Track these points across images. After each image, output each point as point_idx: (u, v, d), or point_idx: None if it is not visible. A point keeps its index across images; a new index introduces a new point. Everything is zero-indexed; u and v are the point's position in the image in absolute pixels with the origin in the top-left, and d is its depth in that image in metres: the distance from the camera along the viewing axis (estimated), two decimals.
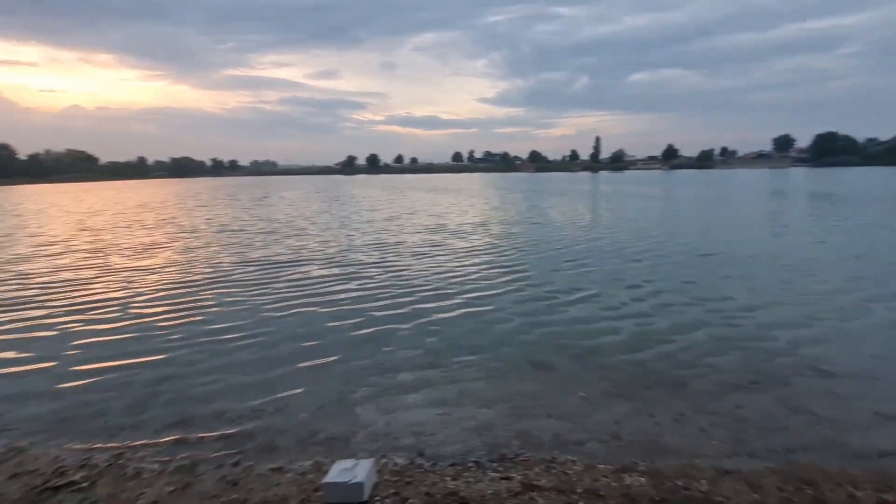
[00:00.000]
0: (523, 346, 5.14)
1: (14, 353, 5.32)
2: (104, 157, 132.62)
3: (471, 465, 3.03)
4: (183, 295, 7.51)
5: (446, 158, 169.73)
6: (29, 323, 6.37)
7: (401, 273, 8.76)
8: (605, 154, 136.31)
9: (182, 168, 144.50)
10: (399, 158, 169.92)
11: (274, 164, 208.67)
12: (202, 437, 3.49)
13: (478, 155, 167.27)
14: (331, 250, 11.36)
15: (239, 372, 4.65)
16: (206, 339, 5.60)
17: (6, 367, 4.95)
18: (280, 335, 5.62)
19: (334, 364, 4.77)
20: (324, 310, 6.57)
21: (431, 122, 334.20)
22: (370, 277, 8.44)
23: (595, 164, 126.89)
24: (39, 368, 4.87)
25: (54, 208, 29.00)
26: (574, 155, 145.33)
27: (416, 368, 4.60)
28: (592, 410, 3.76)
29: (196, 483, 2.90)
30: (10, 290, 8.19)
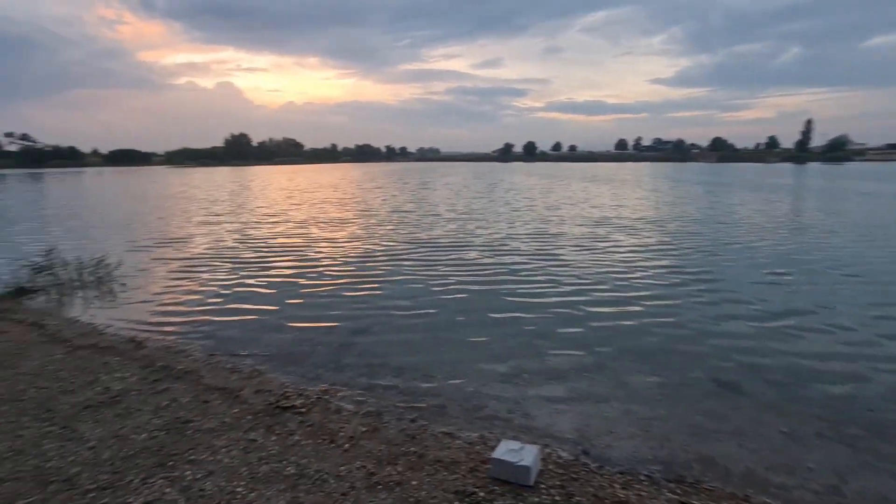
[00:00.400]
0: (707, 362, 4.53)
1: (248, 304, 6.84)
2: (308, 144, 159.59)
3: (643, 478, 2.83)
4: (365, 266, 8.63)
5: (609, 146, 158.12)
6: (259, 278, 8.13)
7: (564, 267, 8.48)
8: (818, 141, 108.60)
9: (363, 153, 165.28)
10: (557, 146, 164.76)
11: (437, 150, 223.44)
12: (386, 389, 4.01)
13: (646, 142, 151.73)
14: (491, 237, 11.59)
15: (413, 339, 5.18)
16: (384, 306, 6.37)
17: (250, 308, 6.42)
18: (447, 312, 6.04)
19: (496, 348, 4.94)
20: (487, 296, 6.78)
21: (594, 108, 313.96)
22: (532, 269, 8.34)
23: (802, 153, 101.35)
24: (271, 311, 6.21)
25: (274, 185, 36.21)
26: (772, 142, 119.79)
27: (582, 368, 4.45)
28: (800, 452, 3.13)
29: (382, 429, 3.35)
30: (245, 251, 10.53)
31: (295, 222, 14.75)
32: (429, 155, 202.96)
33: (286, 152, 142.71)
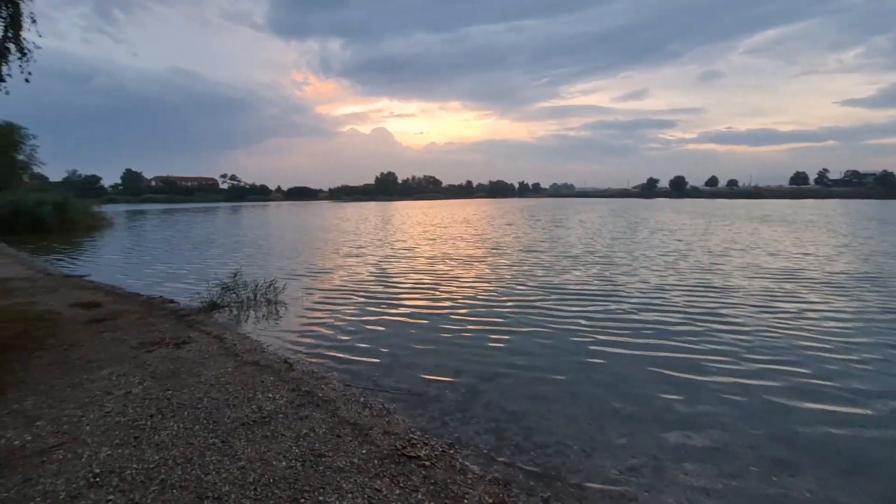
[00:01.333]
0: None
1: (381, 339, 7.10)
2: (445, 181, 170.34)
3: None
4: (493, 310, 8.33)
5: (781, 180, 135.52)
6: (391, 314, 8.47)
7: (736, 333, 6.76)
8: None
9: (496, 190, 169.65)
10: (712, 181, 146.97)
11: (571, 186, 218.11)
12: (515, 453, 3.62)
13: (834, 175, 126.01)
14: (638, 286, 10.08)
15: (545, 399, 4.71)
16: (513, 356, 6.01)
17: (383, 343, 6.66)
18: (584, 374, 5.40)
19: (645, 428, 4.19)
20: (633, 362, 5.78)
21: (762, 137, 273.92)
22: (692, 333, 6.90)
23: None
24: (402, 348, 6.35)
25: (412, 220, 39.00)
26: None
27: (763, 474, 3.48)
28: None
29: (509, 503, 2.97)
30: (380, 285, 11.21)
31: (426, 257, 15.37)
32: (562, 191, 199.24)
33: (425, 189, 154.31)
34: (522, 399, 4.68)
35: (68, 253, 17.64)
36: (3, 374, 4.63)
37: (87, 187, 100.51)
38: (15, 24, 5.75)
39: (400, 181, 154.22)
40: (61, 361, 5.13)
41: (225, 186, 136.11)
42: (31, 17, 5.94)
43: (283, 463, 3.24)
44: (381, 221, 37.14)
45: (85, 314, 7.21)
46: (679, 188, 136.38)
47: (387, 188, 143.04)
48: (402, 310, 8.43)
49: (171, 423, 3.80)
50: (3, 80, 4.98)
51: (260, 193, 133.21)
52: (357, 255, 16.10)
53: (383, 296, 9.57)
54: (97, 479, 2.98)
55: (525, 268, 12.78)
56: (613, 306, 8.39)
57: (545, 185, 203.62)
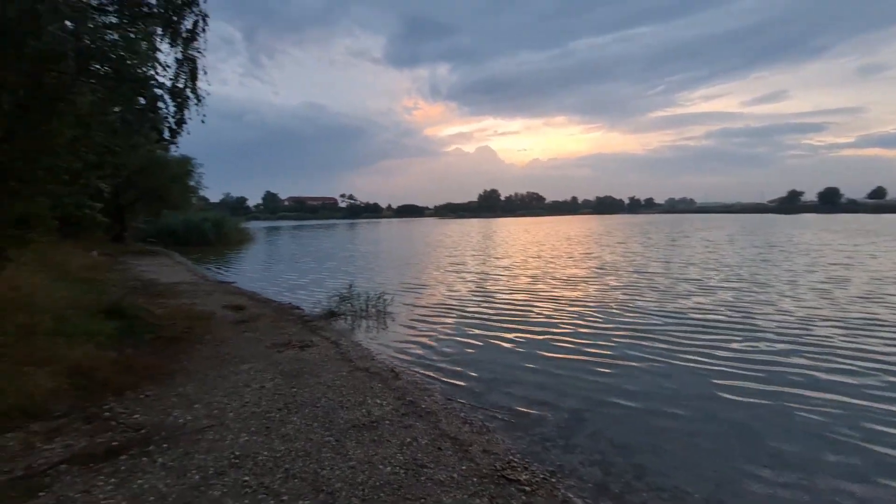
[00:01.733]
0: None
1: (485, 356, 7.11)
2: (549, 197, 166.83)
3: None
4: (600, 334, 7.85)
5: None
6: (492, 330, 8.46)
7: None
8: None
9: (604, 206, 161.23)
10: (878, 192, 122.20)
11: (691, 201, 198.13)
12: (625, 491, 3.35)
13: None
14: (777, 319, 8.47)
15: (658, 435, 4.30)
16: (622, 386, 5.60)
17: (486, 360, 6.69)
18: (708, 417, 4.79)
19: (803, 496, 3.57)
20: (772, 412, 4.86)
21: None
22: (858, 379, 5.73)
23: None
24: (504, 367, 6.31)
25: (514, 236, 38.74)
26: None
27: None
28: None
29: None
30: (482, 302, 11.26)
31: (528, 276, 15.09)
32: (679, 206, 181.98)
33: (528, 205, 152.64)
34: (633, 433, 4.32)
35: (221, 263, 20.90)
36: (173, 362, 5.62)
37: (237, 207, 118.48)
38: (193, 76, 7.07)
39: (503, 198, 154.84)
40: (214, 355, 6.06)
41: (344, 205, 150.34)
42: (204, 70, 7.21)
43: (388, 468, 3.41)
44: (483, 238, 37.57)
45: (232, 315, 8.45)
46: (831, 201, 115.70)
47: (490, 205, 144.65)
48: (502, 328, 8.37)
49: (295, 419, 4.24)
50: (185, 123, 6.18)
51: (373, 211, 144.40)
52: (458, 272, 16.45)
53: (484, 313, 9.60)
54: (237, 461, 3.44)
55: (636, 291, 11.74)
56: (745, 341, 7.24)
57: (659, 199, 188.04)
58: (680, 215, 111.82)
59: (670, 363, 6.32)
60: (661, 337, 7.53)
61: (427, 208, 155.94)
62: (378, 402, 4.72)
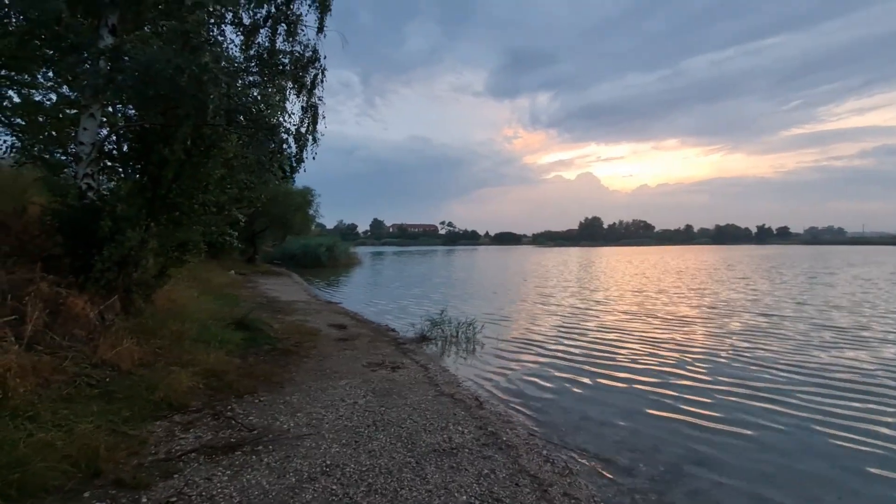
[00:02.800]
0: None
1: (573, 391, 6.79)
2: (658, 226, 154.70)
3: None
4: (706, 385, 6.98)
5: None
6: (585, 366, 8.05)
7: None
8: None
9: (724, 235, 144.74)
10: None
11: (839, 230, 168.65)
12: None
13: None
14: None
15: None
16: (739, 450, 4.94)
17: (573, 396, 6.40)
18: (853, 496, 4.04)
19: None
20: None
21: None
22: None
23: None
24: (595, 405, 5.99)
25: (617, 267, 36.52)
26: None
27: None
28: None
29: None
30: (562, 337, 10.76)
31: (627, 312, 14.09)
32: (824, 236, 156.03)
33: (635, 234, 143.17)
34: (743, 497, 3.78)
35: (330, 284, 22.95)
36: (284, 372, 6.33)
37: (348, 232, 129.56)
38: (314, 121, 8.11)
39: (606, 226, 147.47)
40: (317, 369, 6.69)
41: (443, 232, 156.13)
42: (323, 115, 8.20)
43: (464, 497, 3.44)
44: (581, 268, 36.03)
45: (336, 333, 9.24)
46: None
47: (591, 233, 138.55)
48: (592, 368, 7.89)
49: (381, 436, 4.49)
50: (303, 161, 7.15)
51: (470, 238, 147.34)
52: (550, 304, 15.97)
53: (574, 350, 9.13)
54: (327, 469, 3.75)
55: (757, 338, 9.99)
56: None
57: (797, 228, 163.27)
58: (825, 247, 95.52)
59: (799, 435, 5.16)
60: (786, 399, 6.21)
61: (524, 236, 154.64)
62: (460, 429, 4.79)
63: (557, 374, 7.42)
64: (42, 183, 7.13)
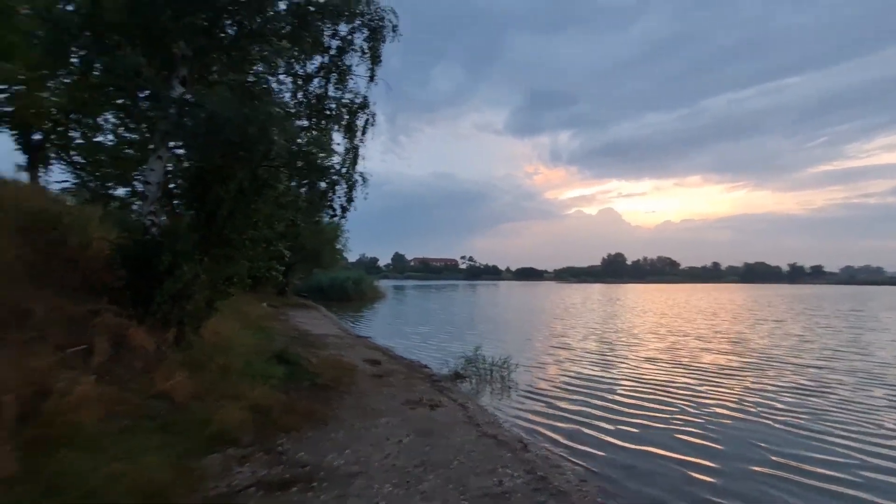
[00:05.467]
0: None
1: (621, 444, 6.58)
2: (684, 263, 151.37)
3: None
4: (753, 444, 6.70)
5: None
6: (627, 416, 7.80)
7: None
8: None
9: (754, 273, 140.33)
10: None
11: (879, 270, 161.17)
12: None
13: None
14: None
15: None
16: None
17: (620, 448, 6.20)
18: None
19: None
20: None
21: None
22: None
23: None
24: (645, 457, 5.77)
25: (641, 306, 35.66)
26: None
27: None
28: None
29: None
30: (599, 379, 10.47)
31: (664, 360, 13.66)
32: (861, 276, 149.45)
33: (660, 270, 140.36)
34: None
35: (357, 317, 23.09)
36: (326, 408, 6.35)
37: (370, 266, 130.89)
38: (354, 161, 8.47)
39: (629, 262, 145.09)
40: (357, 405, 6.69)
41: (464, 266, 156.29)
42: (363, 156, 8.53)
43: None
44: (606, 306, 35.30)
45: (371, 369, 9.26)
46: None
47: (615, 269, 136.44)
48: (632, 414, 7.63)
49: (431, 477, 4.42)
50: (353, 201, 7.44)
51: (492, 273, 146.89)
52: (583, 345, 15.63)
53: (613, 394, 8.78)
54: None
55: (801, 394, 8.76)
56: None
57: (832, 267, 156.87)
58: (863, 287, 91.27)
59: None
60: (846, 477, 5.16)
61: (546, 271, 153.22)
62: (508, 472, 4.68)
63: (598, 420, 7.13)
64: (107, 219, 7.59)
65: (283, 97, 8.01)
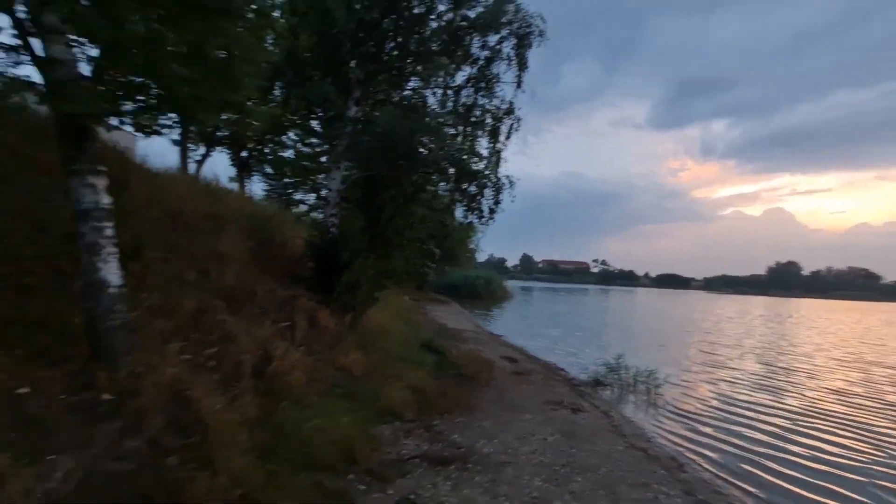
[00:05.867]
0: None
1: (797, 479, 5.70)
2: (888, 276, 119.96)
3: None
4: None
5: None
6: (780, 439, 6.68)
7: None
8: None
9: None
10: None
11: None
12: None
13: None
14: None
15: None
16: None
17: (797, 482, 5.39)
18: None
19: None
20: None
21: None
22: None
23: None
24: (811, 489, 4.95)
25: (822, 326, 29.45)
26: None
27: None
28: None
29: None
30: (757, 405, 8.98)
31: (866, 394, 11.20)
32: None
33: (849, 284, 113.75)
34: None
35: (489, 315, 23.72)
36: (471, 398, 6.79)
37: (498, 266, 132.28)
38: (496, 164, 8.78)
39: (806, 273, 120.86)
40: (499, 399, 7.00)
41: (595, 270, 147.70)
42: (505, 159, 8.78)
43: None
44: (773, 322, 30.02)
45: (509, 366, 9.54)
46: None
47: (784, 280, 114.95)
48: (809, 451, 6.48)
49: (579, 479, 4.47)
50: (500, 203, 7.80)
51: (627, 278, 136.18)
52: (741, 364, 13.68)
53: (776, 420, 7.65)
54: (535, 502, 3.90)
55: None
56: None
57: None
58: None
59: None
60: None
61: (693, 279, 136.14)
62: (664, 490, 4.47)
63: (764, 453, 6.20)
64: (298, 220, 9.22)
65: (435, 108, 8.77)
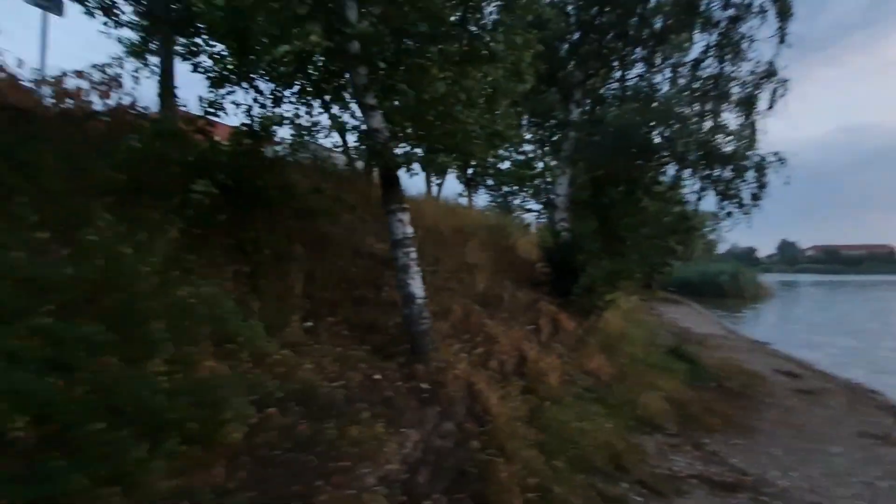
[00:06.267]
0: None
1: None
2: None
3: None
4: None
5: None
6: None
7: None
8: None
9: None
10: None
11: None
12: None
13: None
14: None
15: None
16: None
17: None
18: None
19: None
20: None
21: None
22: None
23: None
24: None
25: None
26: None
27: None
28: None
29: None
30: None
31: None
32: None
33: None
34: None
35: (740, 318, 19.84)
36: (745, 417, 5.82)
37: (745, 258, 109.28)
38: (752, 141, 7.28)
39: None
40: (786, 422, 5.77)
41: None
42: (763, 131, 7.19)
43: None
44: None
45: (788, 382, 7.78)
46: None
47: None
48: None
49: None
50: (765, 187, 6.50)
51: None
52: None
53: None
54: None
55: None
56: None
57: None
58: None
59: None
60: None
61: None
62: None
63: None
64: (526, 227, 9.69)
65: (665, 91, 7.91)
